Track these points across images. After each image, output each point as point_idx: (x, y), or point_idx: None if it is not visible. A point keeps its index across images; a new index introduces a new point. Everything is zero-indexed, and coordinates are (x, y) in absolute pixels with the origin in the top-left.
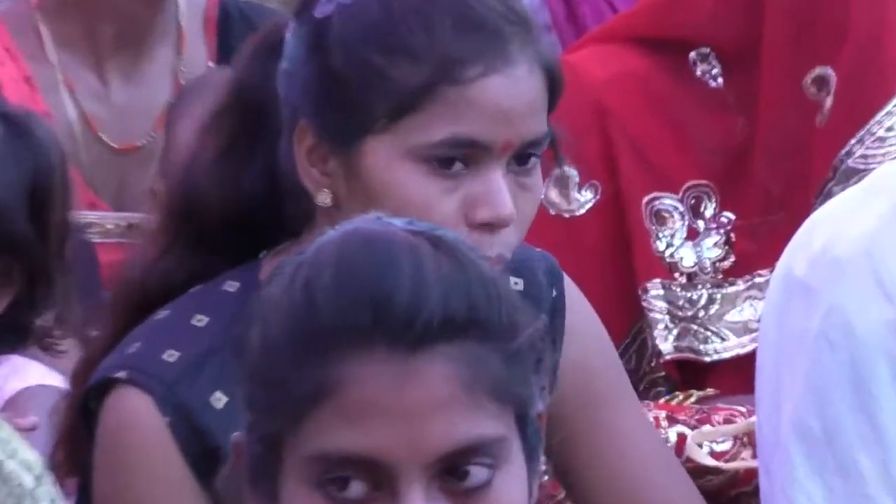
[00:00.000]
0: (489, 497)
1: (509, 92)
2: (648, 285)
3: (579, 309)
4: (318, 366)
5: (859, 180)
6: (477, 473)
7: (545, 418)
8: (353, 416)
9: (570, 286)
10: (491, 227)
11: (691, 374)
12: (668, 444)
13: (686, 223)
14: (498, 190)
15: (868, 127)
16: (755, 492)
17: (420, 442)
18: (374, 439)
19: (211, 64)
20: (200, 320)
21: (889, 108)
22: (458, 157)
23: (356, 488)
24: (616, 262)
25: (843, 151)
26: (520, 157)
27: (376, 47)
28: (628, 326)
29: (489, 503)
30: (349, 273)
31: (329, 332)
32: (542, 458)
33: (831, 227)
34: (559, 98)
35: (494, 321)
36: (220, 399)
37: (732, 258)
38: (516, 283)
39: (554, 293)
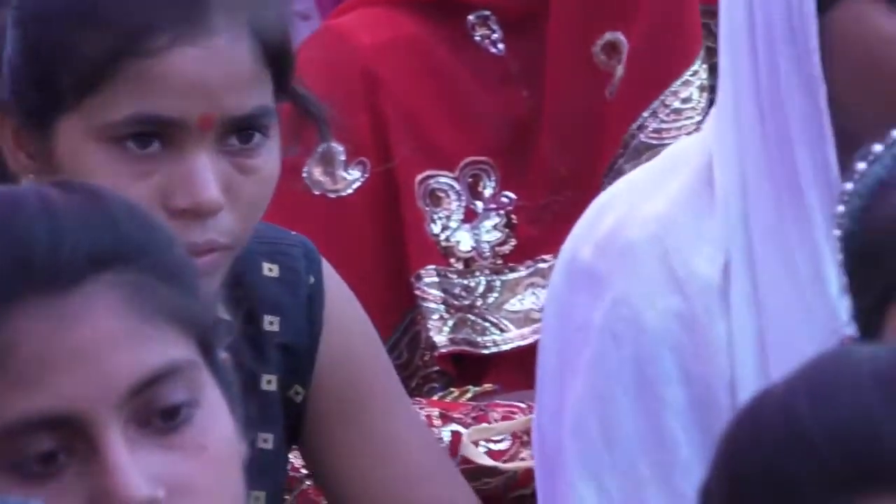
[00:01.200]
0: (194, 432)
1: (204, 64)
2: (422, 272)
3: (340, 297)
4: None
5: (652, 157)
6: (173, 400)
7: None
8: (27, 379)
9: (329, 273)
10: (193, 213)
11: (468, 368)
12: (442, 444)
13: (463, 204)
14: (196, 173)
15: (662, 98)
16: (535, 495)
17: (101, 381)
18: (52, 393)
19: None
20: None
21: (686, 76)
22: (154, 137)
23: (47, 445)
24: (387, 246)
25: (635, 125)
26: (241, 136)
27: (66, 18)
28: (400, 317)
29: (196, 439)
30: None
31: None
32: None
33: (620, 209)
34: (290, 68)
35: (142, 245)
36: None
37: (513, 242)
38: (271, 269)
39: (311, 280)
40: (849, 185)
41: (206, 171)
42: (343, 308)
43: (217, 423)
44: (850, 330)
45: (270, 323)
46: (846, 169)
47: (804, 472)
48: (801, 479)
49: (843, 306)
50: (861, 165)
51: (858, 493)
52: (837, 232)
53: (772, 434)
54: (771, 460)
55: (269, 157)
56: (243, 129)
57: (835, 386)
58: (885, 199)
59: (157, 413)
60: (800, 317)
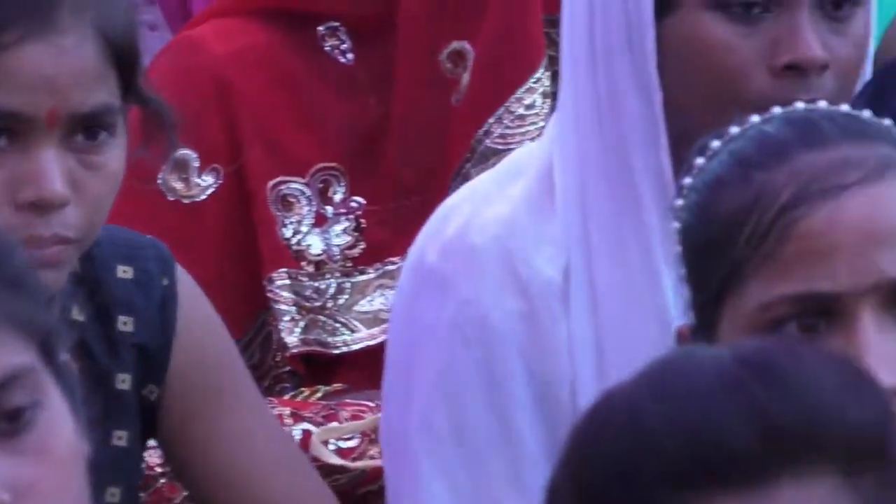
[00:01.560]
0: (37, 435)
1: (52, 60)
2: (274, 275)
3: (193, 299)
4: None
5: (498, 161)
6: (15, 404)
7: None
8: None
9: (182, 275)
10: (39, 207)
11: (319, 368)
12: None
13: (314, 209)
14: (42, 168)
15: (507, 104)
16: (382, 491)
17: None
18: None
19: None
20: None
21: (530, 83)
22: (1, 133)
23: None
24: (240, 250)
25: (481, 131)
26: (87, 133)
27: None
28: (253, 318)
29: (39, 441)
30: None
31: None
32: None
33: (466, 213)
34: (137, 70)
35: None
36: None
37: (363, 245)
38: (125, 271)
39: (165, 282)
40: (687, 180)
41: (51, 166)
42: (196, 309)
43: (59, 425)
44: (684, 322)
45: (124, 323)
46: (683, 168)
47: (650, 471)
48: (646, 479)
49: (677, 301)
50: (699, 161)
51: (702, 492)
52: (676, 225)
53: (618, 435)
54: (617, 460)
55: (114, 154)
56: (89, 127)
57: (679, 387)
58: (722, 193)
59: (7, 418)
60: (635, 316)
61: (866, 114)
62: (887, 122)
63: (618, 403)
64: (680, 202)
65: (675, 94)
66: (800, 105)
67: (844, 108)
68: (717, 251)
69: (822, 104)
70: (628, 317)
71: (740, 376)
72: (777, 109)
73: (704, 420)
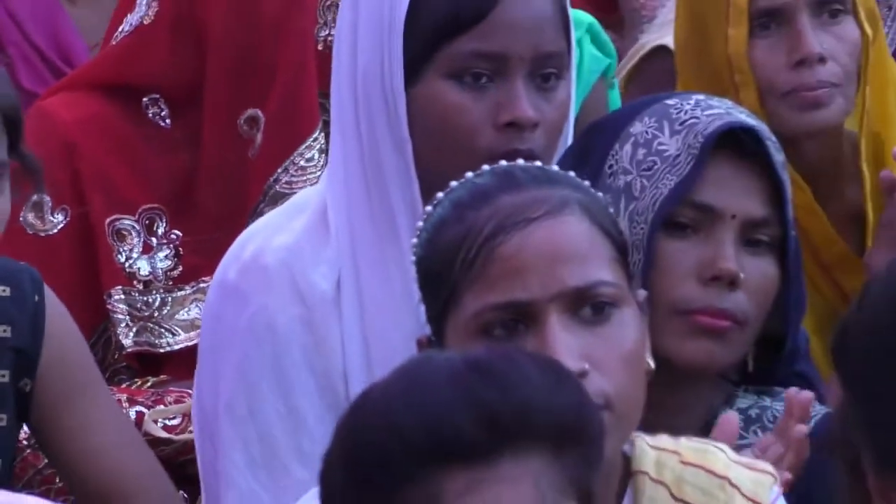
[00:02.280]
0: None
1: None
2: (112, 291)
3: (57, 312)
4: None
5: (284, 202)
6: None
7: None
8: None
9: (49, 293)
10: None
11: (149, 363)
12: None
13: (142, 239)
14: None
15: (291, 158)
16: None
17: None
18: None
19: None
20: None
21: (309, 142)
22: None
23: None
24: (85, 272)
25: (272, 179)
26: None
27: None
28: (97, 325)
29: None
30: None
31: None
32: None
33: (260, 241)
34: (20, 133)
35: None
36: None
37: (181, 268)
38: (4, 290)
39: (36, 298)
40: (419, 224)
41: None
42: (59, 320)
43: None
44: (426, 330)
45: (4, 331)
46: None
47: (399, 453)
48: (396, 458)
49: (422, 313)
50: (428, 208)
51: (440, 468)
52: (413, 258)
53: (374, 425)
54: (374, 445)
55: (3, 198)
56: None
57: (419, 385)
58: (443, 230)
59: None
60: (393, 322)
61: (553, 167)
62: (571, 173)
63: (375, 399)
64: (414, 240)
65: (424, 147)
66: (503, 162)
67: (537, 163)
68: (440, 276)
69: (520, 161)
70: (389, 322)
71: (467, 375)
72: (486, 166)
73: (439, 411)
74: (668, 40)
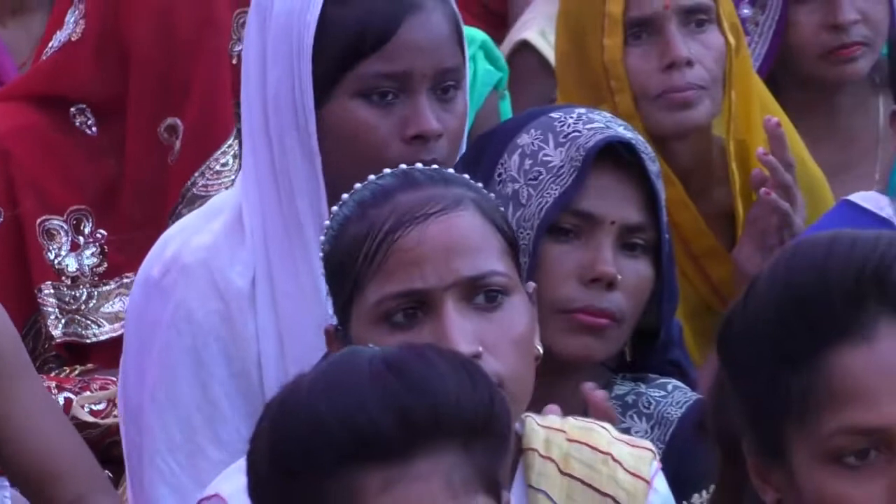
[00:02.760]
0: None
1: None
2: (42, 286)
3: None
4: None
5: (202, 204)
6: None
7: None
8: None
9: None
10: None
11: (77, 353)
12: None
13: (70, 238)
14: None
15: (208, 163)
16: (120, 441)
17: None
18: None
19: None
20: None
21: (223, 148)
22: None
23: None
24: (18, 269)
25: (190, 182)
26: None
27: None
28: (28, 317)
29: None
30: None
31: None
32: None
33: (180, 241)
34: None
35: None
36: None
37: (106, 265)
38: None
39: None
40: (326, 223)
41: None
42: None
43: None
44: (334, 321)
45: None
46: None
47: (320, 448)
48: (318, 453)
49: (329, 305)
50: (334, 209)
51: (359, 464)
52: (320, 254)
53: (298, 419)
54: (298, 439)
55: None
56: None
57: (340, 383)
58: (347, 227)
59: None
60: (304, 315)
61: (449, 169)
62: (466, 175)
63: (300, 394)
64: (322, 238)
65: (334, 159)
66: (402, 165)
67: (434, 166)
68: (345, 269)
69: (419, 165)
70: (300, 315)
71: (386, 375)
72: (387, 169)
73: (359, 411)
74: (529, 34)
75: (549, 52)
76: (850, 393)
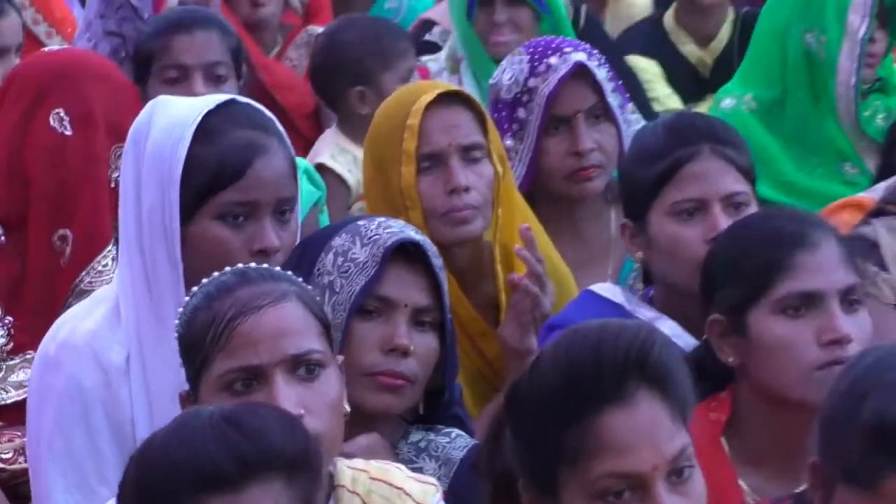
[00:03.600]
0: None
1: None
2: None
3: None
4: None
5: (87, 297)
6: None
7: None
8: None
9: None
10: None
11: None
12: None
13: None
14: None
15: (92, 265)
16: (27, 482)
17: None
18: None
19: None
20: None
21: (104, 253)
22: None
23: None
24: None
25: (78, 280)
26: None
27: None
28: None
29: None
30: None
31: None
32: None
33: (70, 325)
34: None
35: None
36: None
37: (12, 344)
38: None
39: None
40: (180, 310)
41: None
42: None
43: None
44: (187, 387)
45: None
46: None
47: (172, 482)
48: (170, 486)
49: (183, 375)
50: (186, 298)
51: (203, 494)
52: (176, 335)
53: (156, 460)
54: (155, 475)
55: None
56: None
57: (189, 433)
58: (196, 315)
59: None
60: (167, 384)
61: (277, 268)
62: (290, 273)
63: (156, 443)
64: (176, 322)
65: (196, 266)
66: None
67: (276, 268)
68: (196, 348)
69: (252, 264)
70: (163, 384)
71: (223, 426)
72: (228, 269)
73: (202, 452)
74: (323, 159)
75: (340, 169)
76: (613, 446)
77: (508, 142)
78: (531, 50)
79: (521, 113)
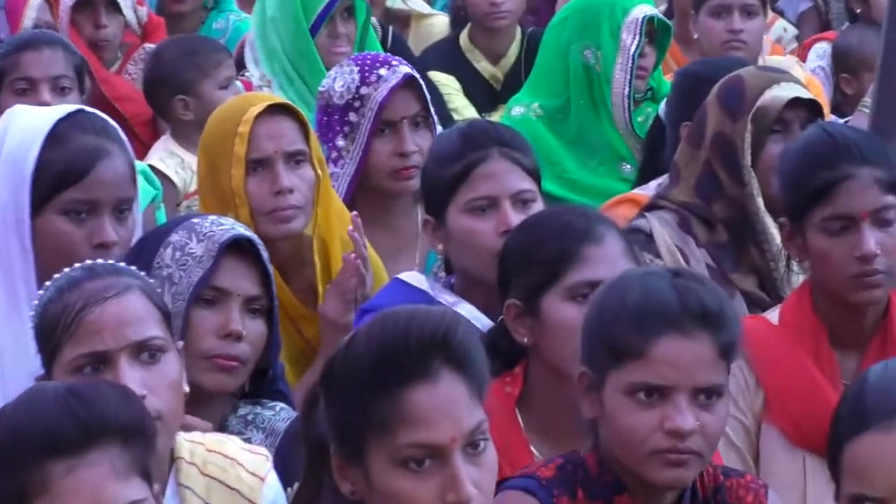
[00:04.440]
0: None
1: None
2: None
3: None
4: None
5: None
6: None
7: None
8: None
9: None
10: None
11: None
12: None
13: None
14: None
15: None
16: None
17: None
18: None
19: None
20: None
21: None
22: None
23: None
24: None
25: None
26: None
27: None
28: None
29: None
30: None
31: None
32: None
33: None
34: None
35: None
36: None
37: None
38: None
39: None
40: (35, 301)
41: None
42: None
43: None
44: (42, 372)
45: None
46: None
47: (20, 448)
48: (19, 452)
49: (38, 361)
50: (40, 291)
51: (47, 457)
52: (31, 324)
53: (4, 428)
54: (3, 442)
55: None
56: None
57: (35, 404)
58: (49, 308)
59: None
60: (21, 367)
61: (122, 264)
62: (133, 267)
63: (4, 415)
64: (31, 313)
65: (45, 257)
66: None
67: (121, 263)
68: (48, 337)
69: (99, 261)
70: (18, 367)
71: (65, 396)
72: (77, 264)
73: (46, 420)
74: (153, 161)
75: (168, 171)
76: (416, 418)
77: (340, 142)
78: (359, 62)
79: (352, 117)
